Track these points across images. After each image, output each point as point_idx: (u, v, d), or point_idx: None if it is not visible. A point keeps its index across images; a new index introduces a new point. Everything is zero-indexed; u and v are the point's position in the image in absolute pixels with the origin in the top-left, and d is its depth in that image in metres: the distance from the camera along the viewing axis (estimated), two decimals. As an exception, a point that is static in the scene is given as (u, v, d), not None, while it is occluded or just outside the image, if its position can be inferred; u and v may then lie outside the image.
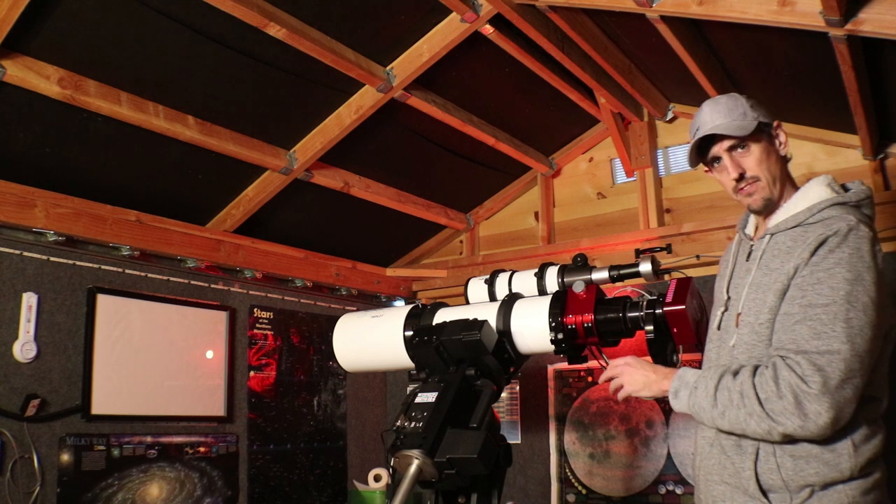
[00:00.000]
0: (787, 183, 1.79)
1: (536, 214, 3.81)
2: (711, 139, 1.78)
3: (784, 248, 1.66)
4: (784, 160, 1.80)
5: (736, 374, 1.60)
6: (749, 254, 1.79)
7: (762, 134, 1.76)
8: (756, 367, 1.59)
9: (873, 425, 1.59)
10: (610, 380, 1.87)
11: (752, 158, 1.76)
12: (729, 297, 1.77)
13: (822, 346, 1.50)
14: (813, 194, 1.72)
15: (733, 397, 1.57)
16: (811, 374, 1.49)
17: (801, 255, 1.61)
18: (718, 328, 1.78)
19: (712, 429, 1.69)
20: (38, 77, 2.22)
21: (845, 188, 1.75)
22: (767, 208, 1.78)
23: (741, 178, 1.76)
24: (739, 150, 1.76)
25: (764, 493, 1.58)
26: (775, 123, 1.79)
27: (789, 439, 1.54)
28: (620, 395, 1.83)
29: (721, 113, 1.77)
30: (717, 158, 1.80)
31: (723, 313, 1.77)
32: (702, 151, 1.82)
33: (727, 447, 1.65)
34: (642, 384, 1.78)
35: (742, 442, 1.63)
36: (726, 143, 1.76)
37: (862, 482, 1.55)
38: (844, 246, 1.57)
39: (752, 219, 1.89)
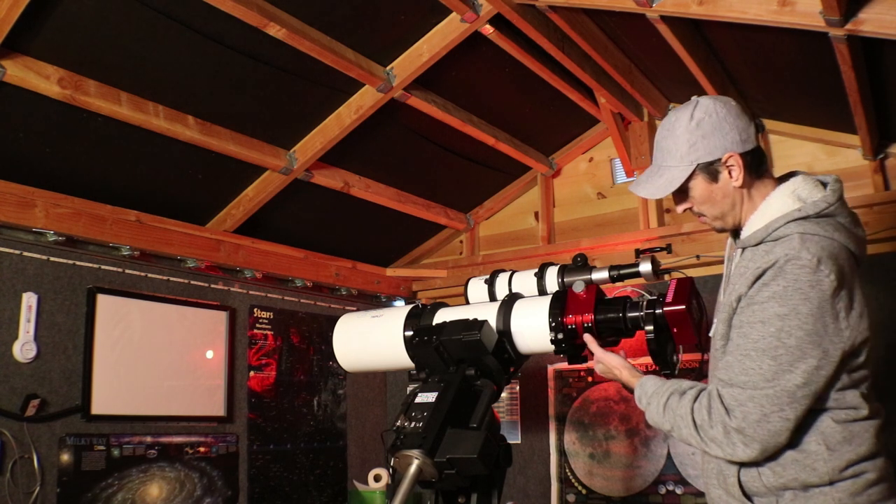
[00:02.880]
0: (754, 199, 1.70)
1: (536, 214, 3.81)
2: None
3: (745, 269, 1.62)
4: (745, 186, 1.68)
5: (682, 395, 1.65)
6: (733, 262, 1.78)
7: (698, 176, 1.68)
8: (700, 392, 1.63)
9: (852, 427, 1.57)
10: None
11: (694, 199, 1.73)
12: None
13: (747, 382, 1.54)
14: (774, 207, 1.65)
15: (676, 419, 1.64)
16: (734, 407, 1.55)
17: (739, 288, 1.61)
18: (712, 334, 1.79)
19: None
20: (38, 77, 2.22)
21: (824, 183, 1.67)
22: (731, 230, 1.76)
23: (690, 210, 1.76)
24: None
25: (749, 497, 1.60)
26: (725, 157, 1.65)
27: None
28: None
29: (660, 150, 1.73)
30: None
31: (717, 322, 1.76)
32: None
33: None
34: (609, 378, 1.89)
35: None
36: None
37: (850, 484, 1.54)
38: (780, 278, 1.53)
39: None
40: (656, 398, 1.69)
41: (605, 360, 1.85)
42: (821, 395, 1.55)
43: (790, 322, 1.51)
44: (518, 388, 3.58)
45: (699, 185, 1.70)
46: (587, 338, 1.87)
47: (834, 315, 1.52)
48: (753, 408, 1.52)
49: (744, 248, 1.69)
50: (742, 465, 1.61)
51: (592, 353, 1.88)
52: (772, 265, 1.55)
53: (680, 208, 1.78)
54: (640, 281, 1.99)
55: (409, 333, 2.03)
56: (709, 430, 1.57)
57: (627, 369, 1.82)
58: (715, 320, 1.76)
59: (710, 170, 1.68)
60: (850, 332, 1.54)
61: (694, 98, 1.72)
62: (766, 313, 1.54)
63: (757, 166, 1.70)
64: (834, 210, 1.62)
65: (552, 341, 1.90)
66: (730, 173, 1.67)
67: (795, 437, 1.56)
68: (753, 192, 1.70)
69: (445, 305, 2.11)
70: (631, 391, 1.80)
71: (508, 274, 2.12)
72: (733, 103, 1.71)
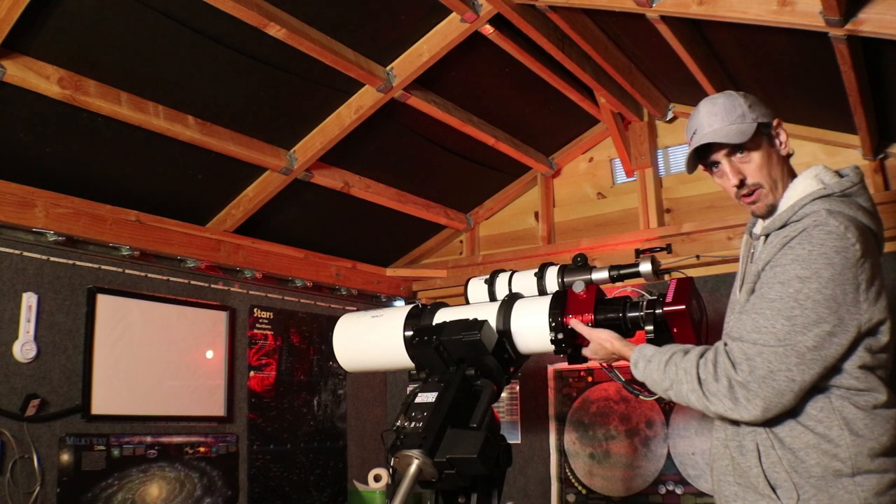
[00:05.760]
0: (789, 181, 1.74)
1: (536, 214, 3.81)
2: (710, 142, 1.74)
3: (772, 243, 1.65)
4: (786, 158, 1.75)
5: (686, 353, 1.65)
6: (753, 255, 1.78)
7: (762, 136, 1.70)
8: (706, 349, 1.64)
9: (874, 415, 1.56)
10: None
11: (753, 165, 1.71)
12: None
13: (758, 338, 1.54)
14: (799, 188, 1.69)
15: (679, 373, 1.63)
16: (741, 361, 1.54)
17: (766, 256, 1.62)
18: None
19: (724, 430, 1.69)
20: (38, 77, 2.22)
21: (841, 174, 1.70)
22: (772, 213, 1.75)
23: (742, 184, 1.72)
24: (739, 154, 1.71)
25: (773, 489, 1.58)
26: (775, 122, 1.73)
27: (723, 417, 1.62)
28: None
29: (718, 115, 1.71)
30: (717, 163, 1.75)
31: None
32: (700, 154, 1.76)
33: (732, 448, 1.66)
34: (602, 356, 1.86)
35: (743, 441, 1.63)
36: (725, 148, 1.71)
37: (874, 482, 1.53)
38: (805, 243, 1.55)
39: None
40: (658, 357, 1.68)
41: (595, 336, 1.84)
42: (837, 369, 1.55)
43: (810, 285, 1.52)
44: (518, 388, 3.58)
45: (761, 146, 1.71)
46: (573, 322, 1.87)
47: (855, 285, 1.53)
48: (761, 363, 1.52)
49: (767, 236, 1.70)
50: (759, 454, 1.60)
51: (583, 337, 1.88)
52: (800, 232, 1.57)
53: (732, 179, 1.72)
54: (640, 281, 1.99)
55: (409, 333, 2.03)
56: (712, 384, 1.56)
57: (619, 340, 1.82)
58: (731, 317, 1.76)
59: (768, 132, 1.72)
60: (867, 305, 1.54)
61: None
62: (787, 275, 1.55)
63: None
64: (855, 191, 1.66)
65: (552, 341, 1.90)
66: (781, 142, 1.73)
67: (817, 423, 1.55)
68: (786, 175, 1.74)
69: (445, 305, 2.11)
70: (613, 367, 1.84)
71: (508, 274, 2.12)
72: None
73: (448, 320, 1.97)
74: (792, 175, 1.75)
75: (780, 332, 1.52)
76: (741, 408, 1.54)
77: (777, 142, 1.74)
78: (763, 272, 1.62)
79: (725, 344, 1.60)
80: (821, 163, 3.11)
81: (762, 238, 1.72)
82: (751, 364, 1.53)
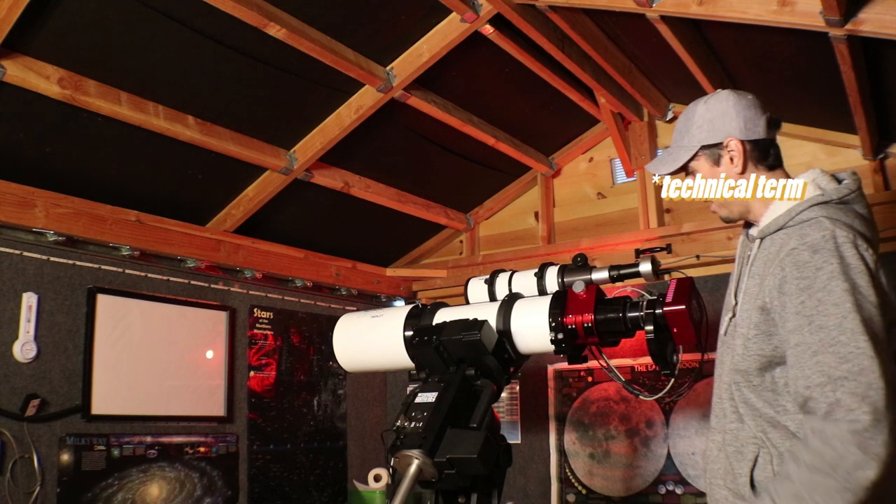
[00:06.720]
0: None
1: (536, 214, 3.81)
2: None
3: (770, 255, 1.62)
4: (751, 171, 1.70)
5: (786, 475, 1.47)
6: (749, 256, 1.77)
7: (704, 156, 1.73)
8: (794, 452, 1.48)
9: None
10: None
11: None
12: (736, 303, 1.72)
13: (853, 368, 1.41)
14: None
15: (803, 493, 1.43)
16: (857, 406, 1.39)
17: (774, 271, 1.57)
18: (725, 334, 1.74)
19: (722, 433, 1.67)
20: (38, 77, 2.22)
21: (838, 179, 1.69)
22: (738, 220, 1.78)
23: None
24: (684, 174, 1.78)
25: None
26: (726, 141, 1.70)
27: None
28: None
29: (676, 132, 1.80)
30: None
31: (730, 319, 1.73)
32: None
33: (730, 452, 1.64)
34: None
35: (743, 449, 1.61)
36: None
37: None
38: (831, 257, 1.51)
39: None
40: (772, 499, 1.49)
41: None
42: None
43: (858, 295, 1.47)
44: (518, 388, 3.59)
45: (703, 167, 1.74)
46: None
47: (881, 289, 1.53)
48: (876, 395, 1.38)
49: (762, 239, 1.68)
50: (755, 463, 1.58)
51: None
52: (814, 247, 1.53)
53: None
54: (640, 281, 1.99)
55: (409, 333, 2.02)
56: (845, 461, 1.38)
57: None
58: (726, 318, 1.74)
59: (713, 152, 1.73)
60: (886, 308, 1.53)
61: (718, 90, 1.78)
62: (833, 294, 1.47)
63: (762, 157, 1.71)
64: (853, 198, 1.64)
65: (552, 341, 1.89)
66: (731, 159, 1.71)
67: None
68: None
69: (445, 305, 2.11)
70: None
71: (508, 274, 2.11)
72: (750, 97, 1.74)
73: (448, 320, 1.97)
74: (786, 176, 1.73)
75: (867, 349, 1.42)
76: (884, 454, 1.37)
77: (723, 161, 1.71)
78: (792, 300, 1.52)
79: (809, 401, 1.44)
80: (821, 162, 3.14)
81: (758, 241, 1.71)
82: (870, 401, 1.38)
